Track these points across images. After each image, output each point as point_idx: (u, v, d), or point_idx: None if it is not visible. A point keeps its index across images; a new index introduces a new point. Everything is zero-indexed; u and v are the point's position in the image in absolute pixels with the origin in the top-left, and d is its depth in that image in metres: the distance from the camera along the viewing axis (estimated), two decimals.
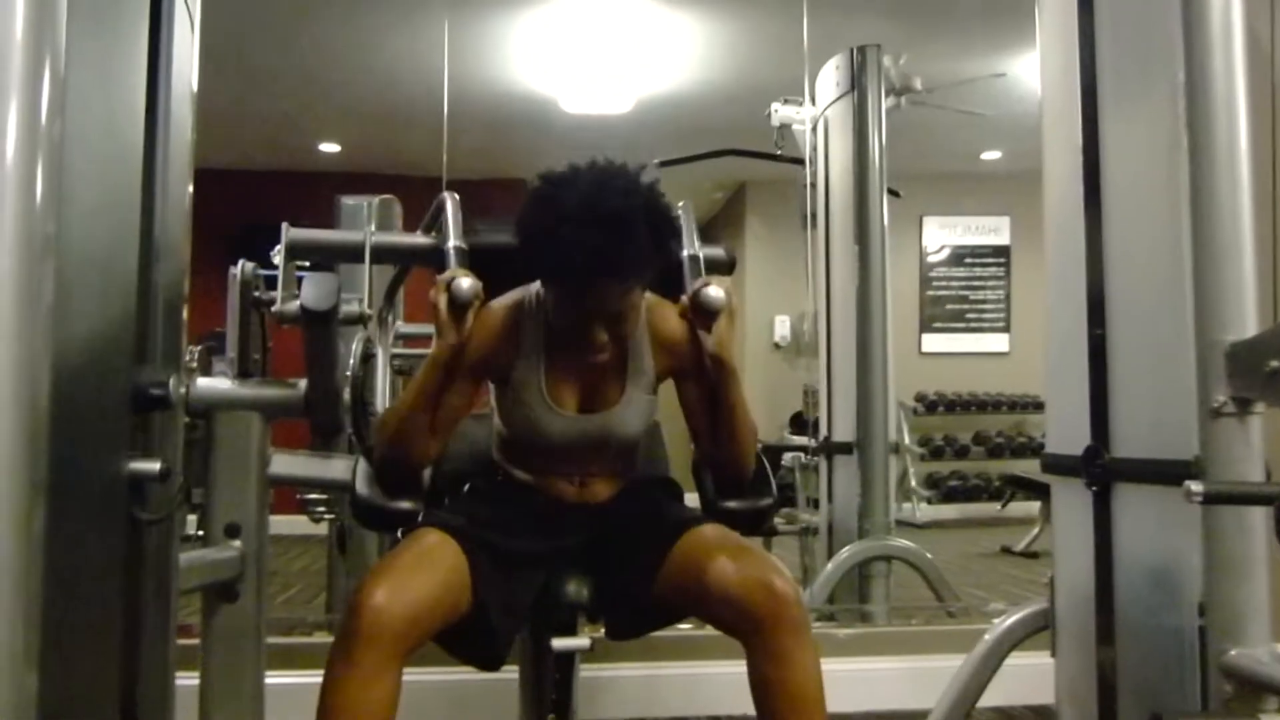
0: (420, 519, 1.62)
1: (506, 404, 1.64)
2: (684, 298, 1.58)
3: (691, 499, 1.78)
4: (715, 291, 1.52)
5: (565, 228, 1.39)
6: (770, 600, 1.44)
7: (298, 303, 1.63)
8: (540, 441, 1.64)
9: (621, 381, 1.63)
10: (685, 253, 1.81)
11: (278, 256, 1.75)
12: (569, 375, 1.62)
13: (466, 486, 1.74)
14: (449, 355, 1.53)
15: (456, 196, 1.81)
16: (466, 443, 1.85)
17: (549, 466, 1.67)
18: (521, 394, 1.61)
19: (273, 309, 1.73)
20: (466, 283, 1.50)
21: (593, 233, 1.38)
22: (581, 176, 1.46)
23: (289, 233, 1.77)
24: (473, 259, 1.74)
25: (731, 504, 1.71)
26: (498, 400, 1.67)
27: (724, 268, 1.83)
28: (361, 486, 1.63)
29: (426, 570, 1.45)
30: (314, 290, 1.61)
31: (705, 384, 1.63)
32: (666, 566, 1.54)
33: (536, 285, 1.62)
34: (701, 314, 1.54)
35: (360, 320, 1.78)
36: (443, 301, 1.50)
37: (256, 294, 1.80)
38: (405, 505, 1.63)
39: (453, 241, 1.76)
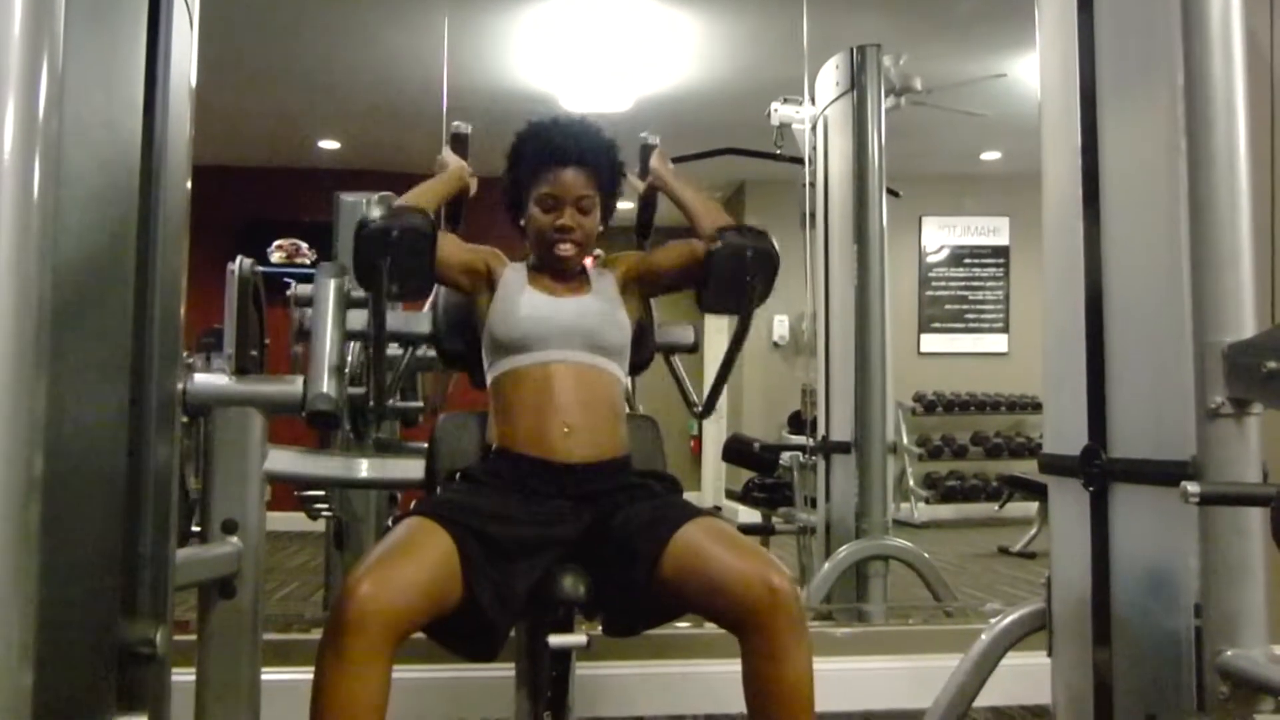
0: (411, 506, 1.63)
1: (494, 308, 1.82)
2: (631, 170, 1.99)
3: (690, 497, 1.78)
4: (651, 136, 2.06)
5: (549, 128, 1.84)
6: (768, 596, 1.45)
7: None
8: (524, 324, 1.76)
9: (589, 289, 1.88)
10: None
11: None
12: (548, 282, 1.86)
13: (458, 474, 1.74)
14: (458, 172, 1.93)
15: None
16: (465, 439, 1.86)
17: (540, 403, 1.71)
18: (507, 289, 1.83)
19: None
20: (465, 126, 1.96)
21: (567, 128, 1.84)
22: (559, 114, 1.90)
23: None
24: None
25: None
26: (489, 317, 1.82)
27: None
28: (372, 213, 1.72)
29: (415, 559, 1.46)
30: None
31: (662, 249, 1.94)
32: (664, 561, 1.54)
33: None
34: (643, 157, 2.04)
35: (363, 303, 1.80)
36: (446, 146, 1.94)
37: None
38: (413, 221, 1.73)
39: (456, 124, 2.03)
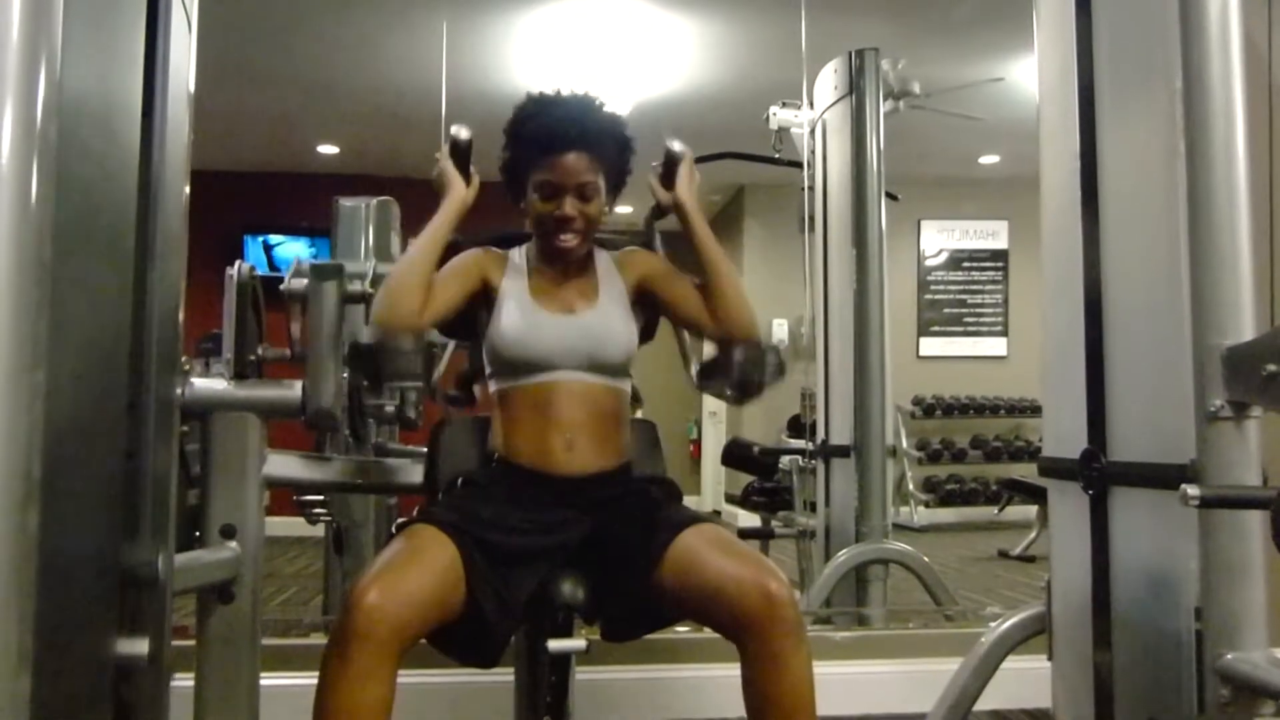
0: (414, 514, 1.63)
1: (495, 323, 1.74)
2: (652, 168, 1.83)
3: (690, 501, 1.78)
4: (678, 144, 1.82)
5: (549, 108, 1.73)
6: (765, 602, 1.44)
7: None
8: (527, 347, 1.70)
9: (597, 294, 1.78)
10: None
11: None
12: (551, 289, 1.77)
13: (460, 481, 1.74)
14: (457, 203, 1.75)
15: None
16: (465, 443, 1.86)
17: (542, 418, 1.69)
18: (508, 302, 1.74)
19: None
20: (465, 132, 1.76)
21: (570, 110, 1.73)
22: (560, 91, 1.78)
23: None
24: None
25: (739, 354, 1.79)
26: (488, 330, 1.74)
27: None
28: (363, 338, 1.71)
29: (420, 568, 1.45)
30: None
31: (681, 283, 1.82)
32: (662, 567, 1.54)
33: (523, 246, 1.84)
34: (668, 168, 1.82)
35: (362, 299, 1.79)
36: (445, 151, 1.75)
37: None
38: (405, 344, 1.71)
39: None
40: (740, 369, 1.79)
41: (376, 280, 1.91)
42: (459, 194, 1.75)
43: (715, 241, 1.79)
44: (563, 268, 1.78)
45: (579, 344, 1.71)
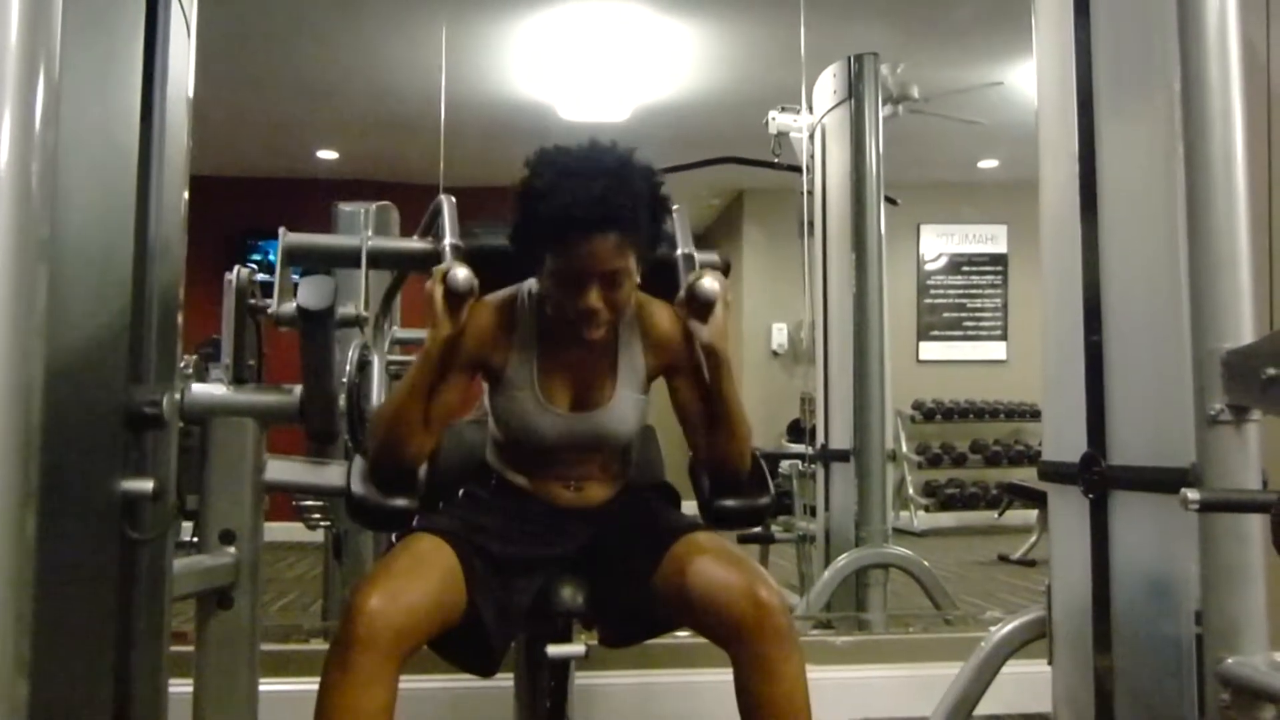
0: (415, 522, 1.62)
1: (499, 403, 1.65)
2: (680, 294, 1.59)
3: (689, 506, 1.78)
4: (710, 282, 1.56)
5: (566, 180, 1.45)
6: (755, 609, 1.43)
7: (294, 304, 1.63)
8: (533, 440, 1.64)
9: (613, 379, 1.64)
10: (680, 251, 1.81)
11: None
12: (562, 372, 1.63)
13: (461, 492, 1.73)
14: (443, 346, 1.54)
15: (453, 199, 1.82)
16: (463, 448, 1.85)
17: (543, 468, 1.67)
18: (514, 391, 1.62)
19: (269, 311, 1.72)
20: (462, 273, 1.53)
21: (592, 184, 1.44)
22: (581, 146, 1.52)
23: (285, 237, 1.78)
24: (469, 262, 1.74)
25: (729, 502, 1.70)
26: (491, 400, 1.68)
27: (719, 269, 1.83)
28: (357, 485, 1.63)
29: (421, 575, 1.45)
30: (311, 291, 1.59)
31: (699, 381, 1.64)
32: (659, 573, 1.54)
33: (530, 283, 1.64)
34: (696, 305, 1.57)
35: (356, 323, 1.77)
36: (439, 292, 1.52)
37: (253, 300, 1.79)
38: (401, 503, 1.62)
39: (449, 240, 1.76)
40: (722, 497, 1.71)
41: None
42: (443, 335, 1.53)
43: (737, 395, 1.62)
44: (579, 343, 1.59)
45: (589, 437, 1.65)
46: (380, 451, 1.60)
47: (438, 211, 1.82)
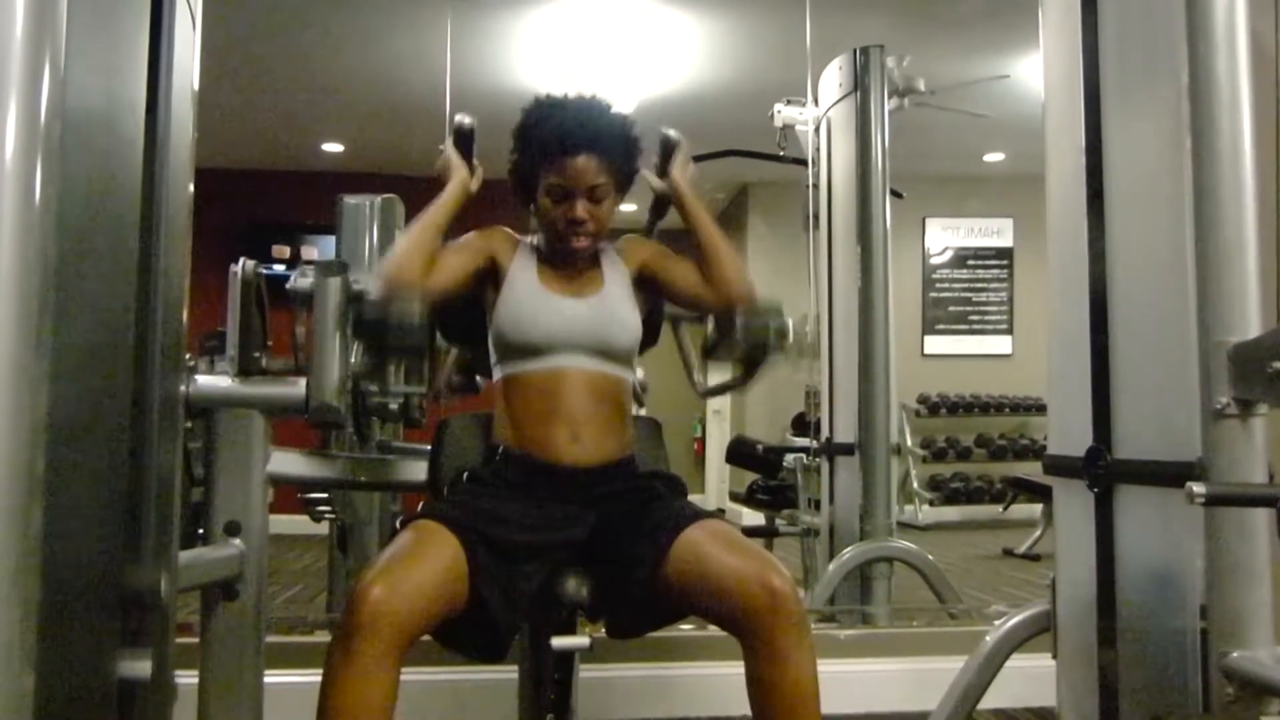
0: (419, 510, 1.63)
1: (503, 305, 1.75)
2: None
3: (693, 499, 1.78)
4: (672, 132, 1.87)
5: (558, 112, 1.74)
6: (768, 598, 1.44)
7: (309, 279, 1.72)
8: (538, 329, 1.72)
9: (602, 281, 1.81)
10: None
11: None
12: (558, 276, 1.79)
13: (465, 475, 1.73)
14: (459, 188, 1.79)
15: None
16: (465, 443, 1.86)
17: (548, 409, 1.69)
18: (516, 286, 1.76)
19: (286, 286, 1.83)
20: (469, 119, 1.79)
21: (580, 114, 1.74)
22: (569, 94, 1.79)
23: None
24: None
25: (748, 322, 1.82)
26: (496, 312, 1.76)
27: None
28: (371, 294, 1.72)
29: (424, 562, 1.45)
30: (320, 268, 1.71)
31: (678, 263, 1.84)
32: (666, 563, 1.54)
33: (531, 236, 1.86)
34: (663, 154, 1.87)
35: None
36: (449, 142, 1.79)
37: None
38: (410, 313, 1.70)
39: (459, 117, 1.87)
40: (745, 335, 1.82)
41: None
42: (461, 180, 1.80)
43: (711, 219, 1.82)
44: (571, 260, 1.80)
45: (585, 327, 1.73)
46: (386, 275, 1.70)
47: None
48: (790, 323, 1.85)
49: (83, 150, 0.87)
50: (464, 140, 1.81)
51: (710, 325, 1.94)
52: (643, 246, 1.90)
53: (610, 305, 1.78)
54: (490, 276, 1.80)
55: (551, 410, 1.69)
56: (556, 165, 1.71)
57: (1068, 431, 1.70)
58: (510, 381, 1.75)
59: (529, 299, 1.75)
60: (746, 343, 1.83)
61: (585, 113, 1.74)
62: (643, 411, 2.32)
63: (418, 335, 1.73)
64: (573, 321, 1.73)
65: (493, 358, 1.80)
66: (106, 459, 1.01)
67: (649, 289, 1.86)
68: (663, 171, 1.88)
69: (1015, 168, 6.20)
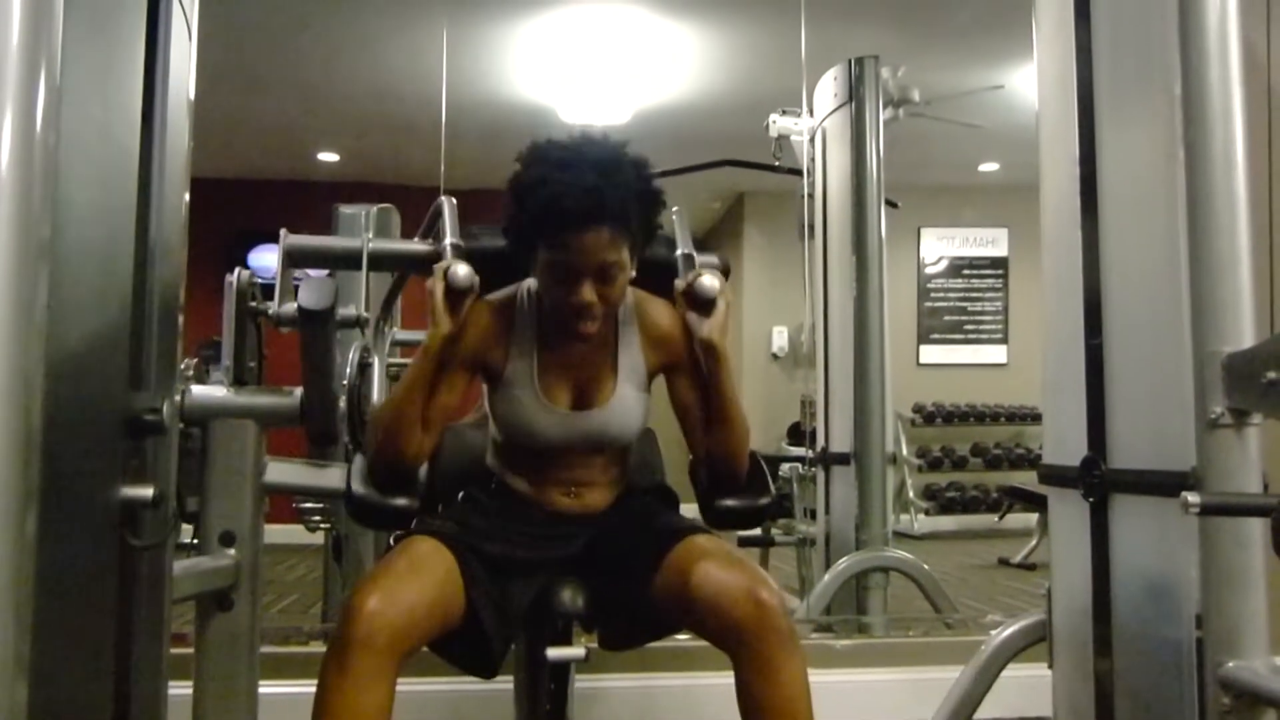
0: (414, 525, 1.62)
1: (499, 403, 1.65)
2: (678, 283, 1.62)
3: (689, 508, 1.78)
4: (710, 279, 1.58)
5: (557, 173, 1.45)
6: (755, 611, 1.43)
7: (295, 304, 1.63)
8: (534, 441, 1.63)
9: (614, 376, 1.64)
10: (680, 252, 1.80)
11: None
12: (561, 370, 1.63)
13: (461, 495, 1.73)
14: (443, 344, 1.54)
15: (454, 201, 1.81)
16: (464, 450, 1.85)
17: (543, 471, 1.67)
18: (514, 390, 1.62)
19: (269, 312, 1.73)
20: (463, 270, 1.53)
21: (583, 176, 1.44)
22: (573, 138, 1.53)
23: (286, 239, 1.78)
24: (469, 262, 1.74)
25: (729, 502, 1.70)
26: (491, 402, 1.67)
27: (718, 270, 1.84)
28: (357, 484, 1.62)
29: (419, 577, 1.45)
30: (311, 291, 1.60)
31: (698, 379, 1.65)
32: (659, 575, 1.54)
33: (529, 282, 1.64)
34: (697, 303, 1.60)
35: (357, 324, 1.78)
36: (439, 289, 1.52)
37: (253, 303, 1.80)
38: (400, 503, 1.62)
39: (450, 239, 1.75)
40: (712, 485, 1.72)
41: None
42: (443, 333, 1.53)
43: (736, 393, 1.64)
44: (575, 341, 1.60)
45: (591, 436, 1.64)
46: (379, 451, 1.60)
47: (438, 213, 1.81)
48: (770, 501, 1.74)
49: (79, 160, 0.87)
50: (455, 293, 1.54)
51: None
52: (672, 339, 1.66)
53: (621, 413, 1.63)
54: (482, 369, 1.64)
55: (547, 477, 1.67)
56: (558, 242, 1.48)
57: (1063, 441, 1.70)
58: (507, 444, 1.70)
59: (527, 412, 1.61)
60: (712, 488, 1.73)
61: (592, 170, 1.45)
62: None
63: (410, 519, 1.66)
64: (574, 431, 1.62)
65: (488, 406, 1.70)
66: (101, 468, 1.01)
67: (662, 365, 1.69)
68: (694, 302, 1.60)
69: (1010, 178, 6.22)
